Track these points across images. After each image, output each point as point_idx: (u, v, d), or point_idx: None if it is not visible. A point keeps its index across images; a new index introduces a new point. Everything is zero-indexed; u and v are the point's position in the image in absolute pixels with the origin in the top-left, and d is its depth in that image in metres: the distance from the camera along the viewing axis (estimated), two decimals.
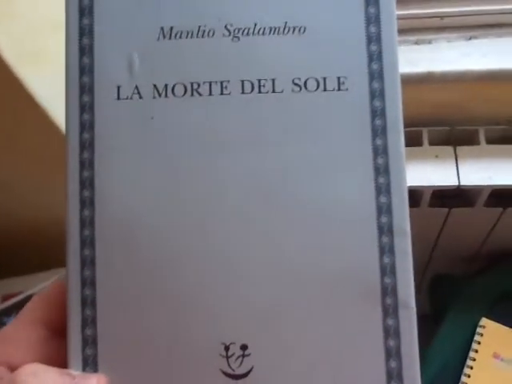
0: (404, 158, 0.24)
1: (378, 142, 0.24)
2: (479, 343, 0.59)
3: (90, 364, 0.24)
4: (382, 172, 0.24)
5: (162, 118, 0.24)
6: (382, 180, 0.24)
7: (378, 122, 0.24)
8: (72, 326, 0.24)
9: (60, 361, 0.24)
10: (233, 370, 0.23)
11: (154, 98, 0.25)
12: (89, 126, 0.24)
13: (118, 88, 0.25)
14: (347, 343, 0.23)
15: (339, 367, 0.23)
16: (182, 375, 0.24)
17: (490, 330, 0.61)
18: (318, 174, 0.24)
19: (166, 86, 0.25)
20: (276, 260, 0.24)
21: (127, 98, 0.25)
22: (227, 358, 0.24)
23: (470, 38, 0.59)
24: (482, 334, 0.61)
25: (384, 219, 0.24)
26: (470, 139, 0.57)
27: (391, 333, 0.23)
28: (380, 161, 0.24)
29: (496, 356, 0.58)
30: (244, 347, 0.24)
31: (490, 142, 0.59)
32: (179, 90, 0.24)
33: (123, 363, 0.24)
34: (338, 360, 0.23)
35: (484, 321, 0.62)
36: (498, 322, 0.62)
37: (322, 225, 0.24)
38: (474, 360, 0.56)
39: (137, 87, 0.25)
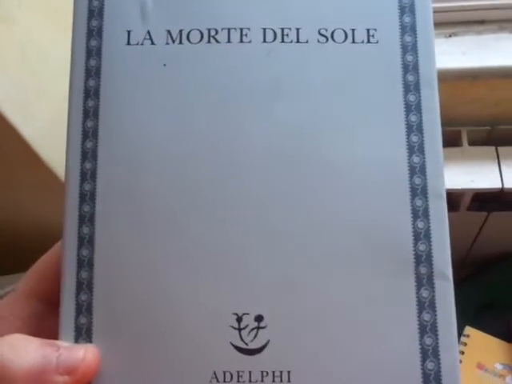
0: (439, 116, 0.22)
1: (411, 98, 0.22)
2: (463, 353, 0.57)
3: (84, 334, 0.21)
4: (415, 130, 0.22)
5: (175, 66, 0.22)
6: (414, 139, 0.22)
7: (410, 77, 0.22)
8: (65, 290, 0.21)
9: (57, 336, 0.21)
10: (245, 344, 0.21)
11: (167, 44, 0.22)
12: (95, 72, 0.22)
13: (129, 33, 0.23)
14: (375, 317, 0.21)
15: (366, 343, 0.21)
16: (186, 350, 0.21)
17: (473, 339, 0.59)
18: (344, 131, 0.22)
19: (180, 31, 0.22)
20: (298, 222, 0.21)
21: (138, 44, 0.22)
22: (239, 330, 0.21)
23: (451, 36, 0.58)
24: (465, 344, 0.59)
25: (417, 180, 0.21)
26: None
27: (426, 306, 0.21)
28: (413, 118, 0.22)
29: (480, 366, 0.57)
30: (259, 318, 0.21)
31: (472, 143, 0.59)
32: (195, 36, 0.22)
33: (121, 334, 0.21)
34: (364, 336, 0.21)
35: (468, 329, 0.60)
36: (482, 330, 0.60)
37: (347, 185, 0.21)
38: None
39: (149, 32, 0.23)
